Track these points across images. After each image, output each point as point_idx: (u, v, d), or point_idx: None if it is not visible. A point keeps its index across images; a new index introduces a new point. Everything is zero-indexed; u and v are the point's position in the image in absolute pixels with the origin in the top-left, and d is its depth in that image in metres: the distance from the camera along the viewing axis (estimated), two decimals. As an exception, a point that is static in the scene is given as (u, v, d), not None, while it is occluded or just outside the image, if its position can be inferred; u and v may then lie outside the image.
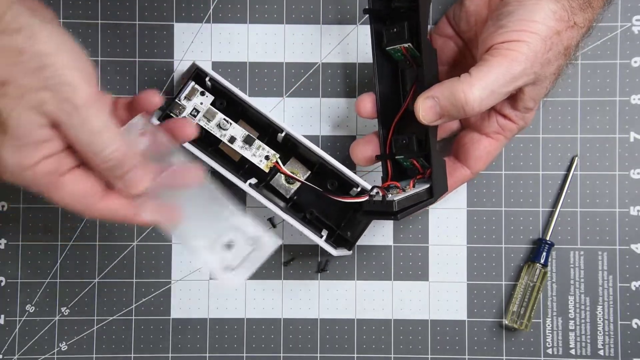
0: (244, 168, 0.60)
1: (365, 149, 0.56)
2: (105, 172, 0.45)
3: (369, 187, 0.57)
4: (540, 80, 0.52)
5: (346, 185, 0.59)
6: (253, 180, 0.58)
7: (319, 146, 0.60)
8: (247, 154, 0.59)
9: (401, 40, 0.52)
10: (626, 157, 0.62)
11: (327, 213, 0.60)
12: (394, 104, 0.55)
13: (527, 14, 0.50)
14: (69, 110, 0.43)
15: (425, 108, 0.50)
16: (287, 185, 0.61)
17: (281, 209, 0.58)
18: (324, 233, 0.59)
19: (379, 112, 0.55)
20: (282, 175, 0.60)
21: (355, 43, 0.63)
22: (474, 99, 0.49)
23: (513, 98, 0.54)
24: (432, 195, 0.53)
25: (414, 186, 0.53)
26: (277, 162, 0.59)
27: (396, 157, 0.54)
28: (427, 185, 0.53)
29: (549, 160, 0.63)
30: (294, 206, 0.61)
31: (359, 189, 0.58)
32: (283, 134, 0.58)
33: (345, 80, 0.63)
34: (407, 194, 0.52)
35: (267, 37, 0.63)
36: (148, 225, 0.59)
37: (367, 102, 0.55)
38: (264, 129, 0.60)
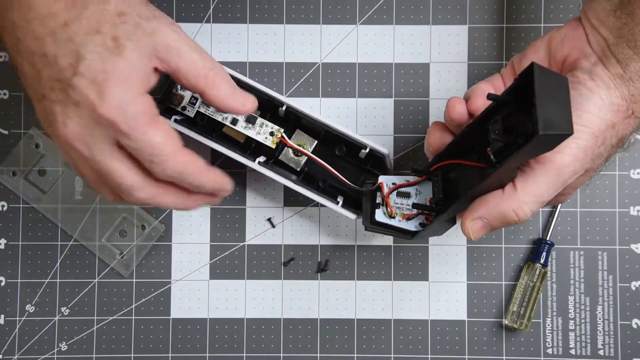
0: (251, 148, 0.60)
1: (438, 135, 0.51)
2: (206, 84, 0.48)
3: (377, 147, 0.57)
4: (587, 172, 0.48)
5: (354, 148, 0.58)
6: (262, 159, 0.58)
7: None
8: (252, 133, 0.58)
9: (491, 146, 0.45)
10: (626, 157, 0.62)
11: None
12: (464, 143, 0.51)
13: (579, 102, 0.44)
14: (179, 33, 0.46)
15: (476, 230, 0.47)
16: (296, 158, 0.60)
17: (294, 182, 0.57)
18: (340, 199, 0.58)
19: (453, 141, 0.51)
20: (290, 148, 0.60)
21: (355, 43, 0.63)
22: (525, 214, 0.46)
23: None
24: (412, 238, 0.54)
25: (408, 219, 0.54)
26: (282, 136, 0.58)
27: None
28: (414, 230, 0.53)
29: (548, 160, 0.63)
30: (307, 177, 0.60)
31: (367, 150, 0.57)
32: (284, 108, 0.57)
33: (345, 80, 0.63)
34: (391, 222, 0.54)
35: (267, 37, 0.63)
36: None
37: (457, 106, 0.49)
38: (264, 106, 0.59)
